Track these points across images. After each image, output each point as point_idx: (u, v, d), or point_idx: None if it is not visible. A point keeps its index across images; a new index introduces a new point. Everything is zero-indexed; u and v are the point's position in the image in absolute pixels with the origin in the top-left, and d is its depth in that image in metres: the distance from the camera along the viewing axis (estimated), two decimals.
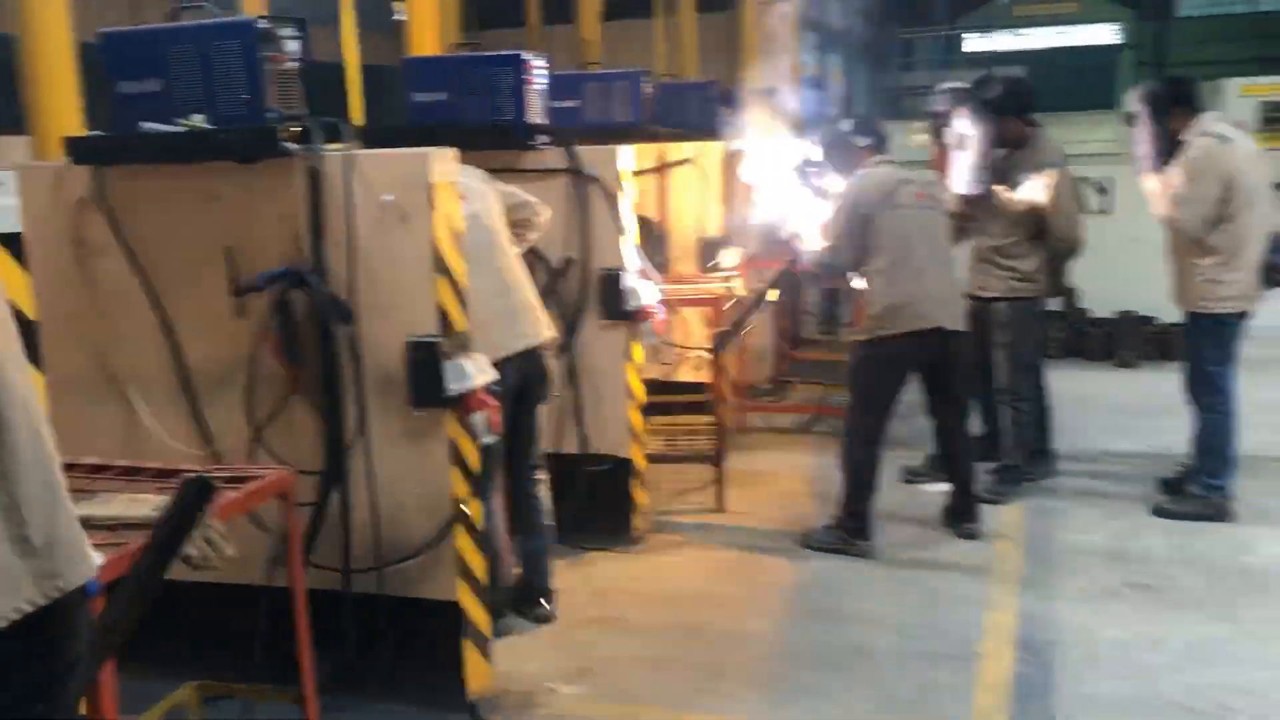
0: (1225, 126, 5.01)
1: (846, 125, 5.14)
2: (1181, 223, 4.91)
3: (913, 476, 5.67)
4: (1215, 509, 5.03)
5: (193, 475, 2.00)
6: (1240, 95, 23.36)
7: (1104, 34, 33.14)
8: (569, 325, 4.82)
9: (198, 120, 3.29)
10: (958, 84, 5.63)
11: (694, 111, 7.40)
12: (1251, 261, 4.89)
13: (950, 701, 3.61)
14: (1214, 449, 5.07)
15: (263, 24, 3.29)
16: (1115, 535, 4.95)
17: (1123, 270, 7.93)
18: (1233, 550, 4.74)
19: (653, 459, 5.35)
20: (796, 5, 15.40)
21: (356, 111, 5.82)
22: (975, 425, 5.51)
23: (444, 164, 3.37)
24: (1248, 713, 3.47)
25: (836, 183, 5.18)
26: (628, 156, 4.83)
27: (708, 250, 6.45)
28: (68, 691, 1.79)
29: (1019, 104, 5.45)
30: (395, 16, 6.46)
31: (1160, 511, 5.13)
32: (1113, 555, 4.74)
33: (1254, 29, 33.11)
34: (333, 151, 3.34)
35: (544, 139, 4.69)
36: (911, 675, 3.79)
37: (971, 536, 4.96)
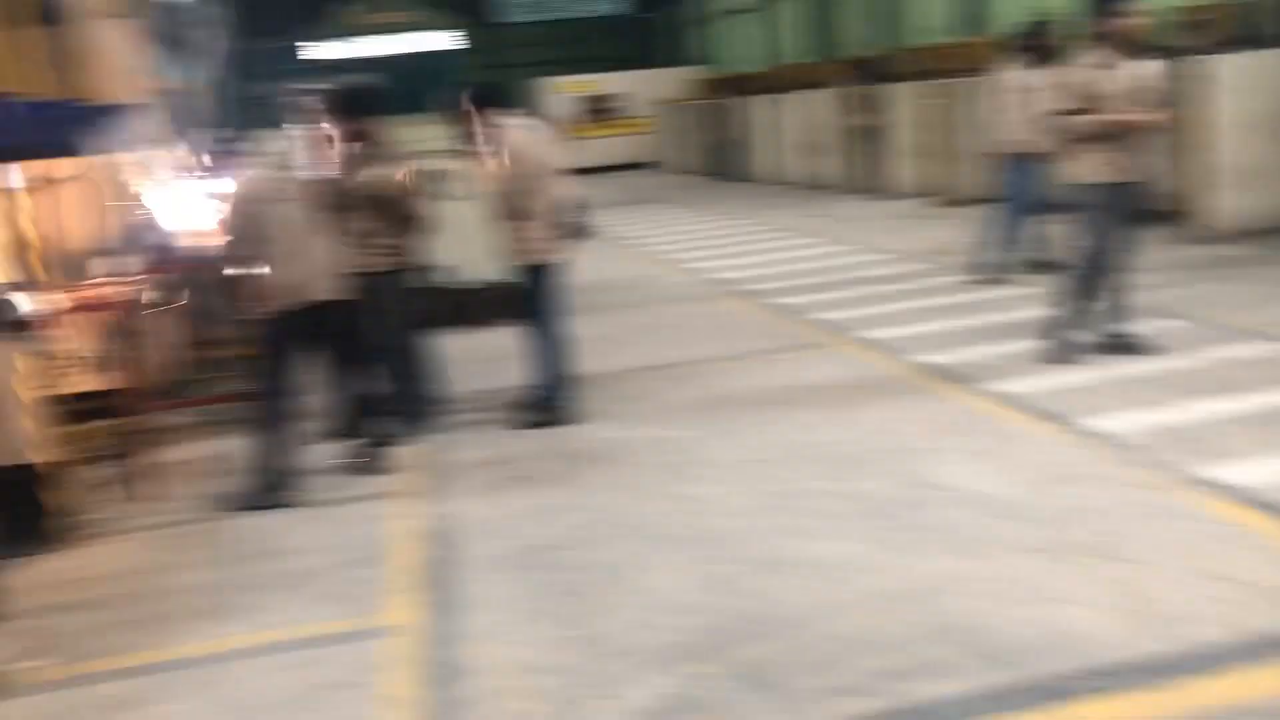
0: (528, 120, 6.49)
1: (227, 136, 5.73)
2: (506, 197, 6.23)
3: (324, 437, 6.45)
4: (558, 416, 6.47)
5: None
6: (555, 92, 26.77)
7: (439, 40, 36.09)
8: None
9: None
10: (319, 91, 6.47)
11: (56, 129, 7.36)
12: (558, 221, 6.35)
13: (378, 585, 4.49)
14: (553, 372, 6.49)
15: None
16: (492, 449, 6.16)
17: (467, 244, 9.28)
18: (576, 442, 6.16)
19: (66, 463, 5.54)
20: (140, 19, 15.06)
21: None
22: (374, 383, 6.42)
23: None
24: (568, 549, 4.71)
25: (226, 187, 5.75)
26: (8, 174, 4.99)
27: (94, 260, 6.61)
28: None
29: (370, 107, 6.42)
30: None
31: (520, 425, 6.45)
32: (493, 462, 5.94)
33: (562, 34, 38.01)
34: None
35: None
36: (346, 578, 4.61)
37: (382, 472, 5.88)
